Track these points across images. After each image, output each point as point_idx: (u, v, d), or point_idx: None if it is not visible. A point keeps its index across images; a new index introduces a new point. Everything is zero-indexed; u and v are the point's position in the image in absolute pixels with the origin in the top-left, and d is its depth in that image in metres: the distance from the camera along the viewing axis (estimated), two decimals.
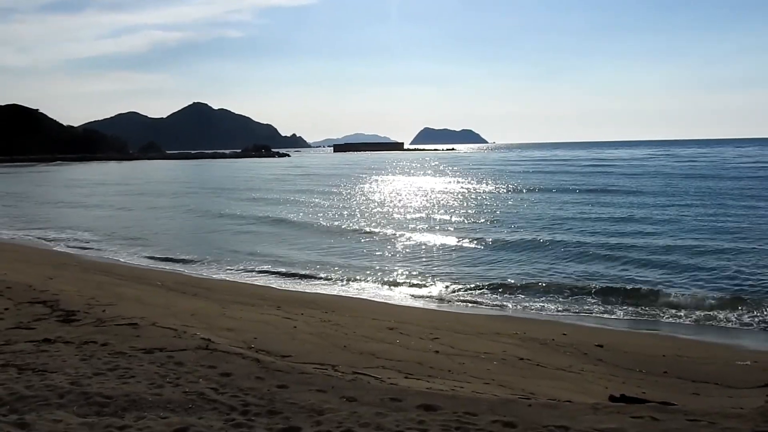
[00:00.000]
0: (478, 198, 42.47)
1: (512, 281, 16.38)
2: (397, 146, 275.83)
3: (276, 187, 56.88)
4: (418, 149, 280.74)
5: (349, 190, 51.95)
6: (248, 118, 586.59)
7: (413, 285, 16.48)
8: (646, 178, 55.61)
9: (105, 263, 19.66)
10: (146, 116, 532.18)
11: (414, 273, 17.87)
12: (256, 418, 5.27)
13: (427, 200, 41.76)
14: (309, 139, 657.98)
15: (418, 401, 5.83)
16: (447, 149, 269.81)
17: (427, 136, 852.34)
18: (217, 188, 57.61)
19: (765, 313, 12.91)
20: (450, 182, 61.06)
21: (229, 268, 19.20)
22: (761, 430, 5.00)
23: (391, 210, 35.75)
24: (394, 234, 25.67)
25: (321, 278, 17.55)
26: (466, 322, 12.57)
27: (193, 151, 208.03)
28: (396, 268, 18.69)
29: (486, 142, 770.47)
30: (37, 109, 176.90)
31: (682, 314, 13.11)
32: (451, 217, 31.51)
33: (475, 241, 22.92)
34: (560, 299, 14.63)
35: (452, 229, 26.90)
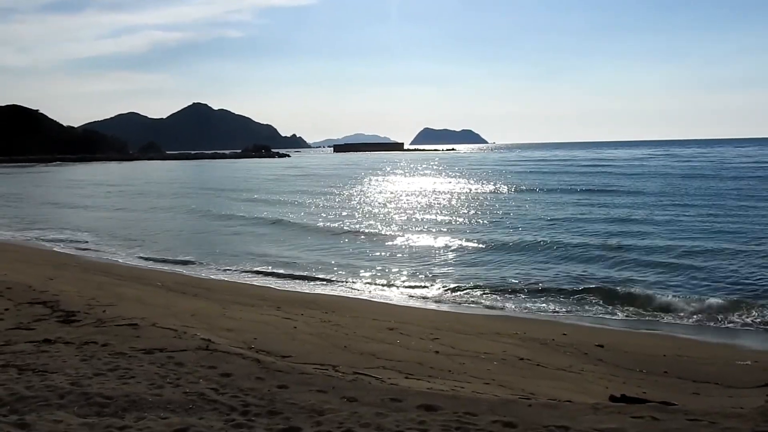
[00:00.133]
0: (479, 198, 42.47)
1: (512, 281, 16.38)
2: (397, 146, 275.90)
3: (276, 188, 56.84)
4: (418, 149, 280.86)
5: (349, 191, 51.91)
6: (248, 118, 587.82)
7: (413, 285, 16.45)
8: (646, 178, 55.58)
9: (105, 263, 19.65)
10: (146, 116, 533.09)
11: (414, 273, 17.86)
12: (257, 419, 5.27)
13: (427, 201, 41.74)
14: (309, 140, 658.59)
15: (419, 401, 5.83)
16: (447, 149, 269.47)
17: (427, 136, 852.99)
18: (217, 189, 57.53)
19: (765, 313, 12.88)
20: (450, 183, 61.02)
21: (229, 268, 19.17)
22: (761, 429, 5.00)
23: (391, 210, 35.75)
24: (394, 234, 25.67)
25: (321, 278, 17.51)
26: (466, 322, 12.57)
27: (192, 152, 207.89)
28: (396, 268, 18.67)
29: (486, 143, 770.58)
30: (37, 110, 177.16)
31: (682, 314, 13.08)
32: (451, 217, 31.51)
33: (475, 242, 22.92)
34: (560, 299, 14.60)
35: (452, 230, 26.89)
